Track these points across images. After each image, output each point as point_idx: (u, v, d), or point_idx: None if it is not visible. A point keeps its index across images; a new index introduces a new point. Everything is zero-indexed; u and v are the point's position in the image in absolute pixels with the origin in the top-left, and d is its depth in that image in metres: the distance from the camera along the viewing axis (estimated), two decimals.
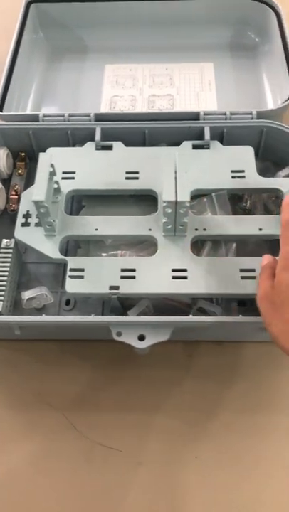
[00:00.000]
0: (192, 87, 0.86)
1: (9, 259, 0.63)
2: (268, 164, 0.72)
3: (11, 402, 0.62)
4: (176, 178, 0.58)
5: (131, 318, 0.58)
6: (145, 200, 0.67)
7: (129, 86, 0.86)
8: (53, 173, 0.61)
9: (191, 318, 0.57)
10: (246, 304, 0.63)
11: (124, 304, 0.61)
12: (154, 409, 0.60)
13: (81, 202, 0.70)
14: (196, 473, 0.57)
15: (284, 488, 0.56)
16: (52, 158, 0.61)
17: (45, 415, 0.60)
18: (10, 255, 0.63)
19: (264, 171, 0.70)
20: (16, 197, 0.71)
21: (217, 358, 0.63)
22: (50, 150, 0.69)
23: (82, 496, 0.56)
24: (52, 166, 0.61)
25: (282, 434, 0.59)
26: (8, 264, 0.62)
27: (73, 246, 0.67)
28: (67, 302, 0.65)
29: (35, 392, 0.62)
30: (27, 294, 0.62)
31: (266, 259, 0.52)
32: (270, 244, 0.64)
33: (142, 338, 0.55)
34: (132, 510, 0.55)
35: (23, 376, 0.63)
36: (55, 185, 0.64)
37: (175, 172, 0.58)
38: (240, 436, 0.59)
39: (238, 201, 0.68)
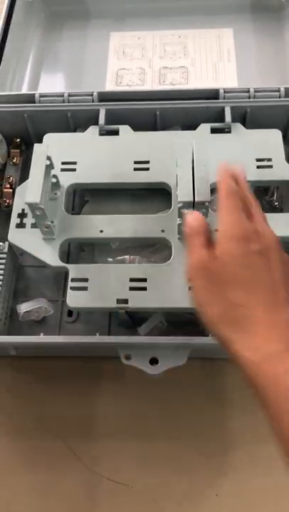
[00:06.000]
0: (209, 57, 0.76)
1: (2, 266, 0.55)
2: None
3: (7, 428, 0.55)
4: (193, 173, 0.49)
5: (141, 338, 0.50)
6: (157, 195, 0.58)
7: (137, 57, 0.76)
8: (50, 167, 0.53)
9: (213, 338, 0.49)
10: None
11: (134, 317, 0.54)
12: (168, 437, 0.53)
13: (83, 197, 0.61)
14: None
15: None
16: (49, 148, 0.52)
17: (45, 444, 0.54)
18: (3, 261, 0.55)
19: None
20: (11, 190, 0.63)
21: (241, 379, 0.55)
22: (48, 137, 0.60)
23: None
24: (49, 158, 0.52)
25: None
26: (1, 272, 0.55)
27: (76, 248, 0.59)
28: (70, 313, 0.58)
29: (34, 417, 0.55)
30: (23, 307, 0.54)
31: (194, 219, 0.40)
32: None
33: (154, 361, 0.48)
34: None
35: (21, 399, 0.56)
36: (54, 180, 0.55)
37: (192, 166, 0.49)
38: (265, 470, 0.52)
39: (262, 194, 0.60)
